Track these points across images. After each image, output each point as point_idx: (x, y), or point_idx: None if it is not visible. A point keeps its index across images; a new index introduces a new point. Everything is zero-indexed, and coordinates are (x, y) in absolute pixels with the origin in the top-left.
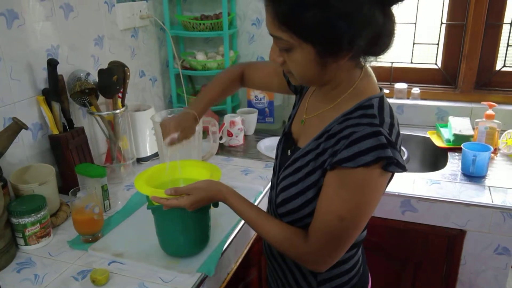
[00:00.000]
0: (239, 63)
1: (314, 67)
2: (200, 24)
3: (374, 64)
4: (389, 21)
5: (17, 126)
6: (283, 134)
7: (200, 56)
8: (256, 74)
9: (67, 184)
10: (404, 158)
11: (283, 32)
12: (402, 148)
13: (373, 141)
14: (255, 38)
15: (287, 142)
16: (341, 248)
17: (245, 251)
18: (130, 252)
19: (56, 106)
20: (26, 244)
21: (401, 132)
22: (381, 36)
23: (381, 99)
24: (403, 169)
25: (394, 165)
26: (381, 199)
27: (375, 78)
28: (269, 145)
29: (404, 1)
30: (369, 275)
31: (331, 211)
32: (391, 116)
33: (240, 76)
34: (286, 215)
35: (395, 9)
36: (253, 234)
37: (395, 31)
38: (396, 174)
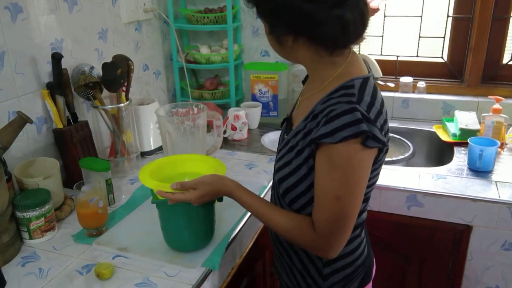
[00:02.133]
0: None
1: (273, 43)
2: (204, 17)
3: (379, 57)
4: (323, 10)
5: (21, 120)
6: (285, 119)
7: (204, 50)
8: None
9: (71, 178)
10: (410, 152)
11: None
12: (408, 142)
13: (349, 117)
14: (259, 31)
15: (287, 126)
16: (346, 229)
17: (250, 245)
18: (134, 246)
19: (60, 99)
20: (30, 238)
21: (407, 126)
22: (319, 24)
23: (365, 81)
24: (383, 144)
25: (372, 140)
26: (378, 173)
27: (378, 73)
28: (273, 139)
29: None
30: (374, 259)
31: (327, 193)
32: (373, 96)
33: None
34: (284, 194)
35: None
36: (257, 228)
37: (348, 24)
38: (401, 169)
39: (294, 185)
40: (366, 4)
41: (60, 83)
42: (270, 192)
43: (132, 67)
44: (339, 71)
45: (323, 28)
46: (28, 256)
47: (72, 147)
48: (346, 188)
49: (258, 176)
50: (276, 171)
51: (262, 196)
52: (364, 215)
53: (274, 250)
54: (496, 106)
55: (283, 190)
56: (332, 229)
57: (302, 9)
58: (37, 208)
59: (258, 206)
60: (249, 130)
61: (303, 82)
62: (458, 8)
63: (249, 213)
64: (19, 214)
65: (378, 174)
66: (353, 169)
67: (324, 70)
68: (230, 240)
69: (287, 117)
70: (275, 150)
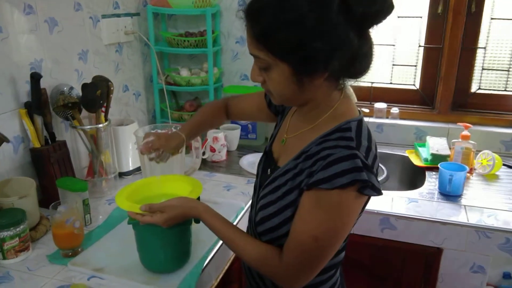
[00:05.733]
0: (224, 97)
1: (291, 86)
2: (184, 41)
3: (354, 84)
4: (365, 43)
5: None
6: (264, 153)
7: (184, 72)
8: (239, 105)
9: (48, 197)
10: (383, 176)
11: (260, 51)
12: (382, 166)
13: (349, 163)
14: (239, 55)
15: (268, 161)
16: (314, 267)
17: (226, 267)
18: (110, 267)
19: (39, 119)
20: (4, 258)
21: (380, 151)
22: (356, 58)
23: (360, 123)
24: (378, 192)
25: (369, 189)
26: (360, 217)
27: (355, 100)
28: (251, 161)
29: (379, 24)
30: None
31: (306, 231)
32: (369, 139)
33: (225, 108)
34: (264, 233)
35: (373, 32)
36: None
37: (373, 54)
38: None
39: (277, 226)
40: None
41: (38, 103)
42: (247, 215)
43: (112, 88)
44: (334, 107)
45: (365, 60)
46: (1, 276)
47: (50, 167)
48: (328, 231)
49: (236, 197)
50: (259, 209)
51: (238, 218)
52: (342, 255)
53: (246, 283)
54: (465, 132)
55: (265, 229)
56: (300, 263)
57: (354, 44)
58: (11, 228)
59: (225, 231)
60: (228, 152)
61: (280, 112)
62: (429, 38)
63: None
64: None
65: (361, 215)
66: (340, 215)
67: (323, 107)
68: (206, 262)
69: (266, 150)
70: (254, 172)
